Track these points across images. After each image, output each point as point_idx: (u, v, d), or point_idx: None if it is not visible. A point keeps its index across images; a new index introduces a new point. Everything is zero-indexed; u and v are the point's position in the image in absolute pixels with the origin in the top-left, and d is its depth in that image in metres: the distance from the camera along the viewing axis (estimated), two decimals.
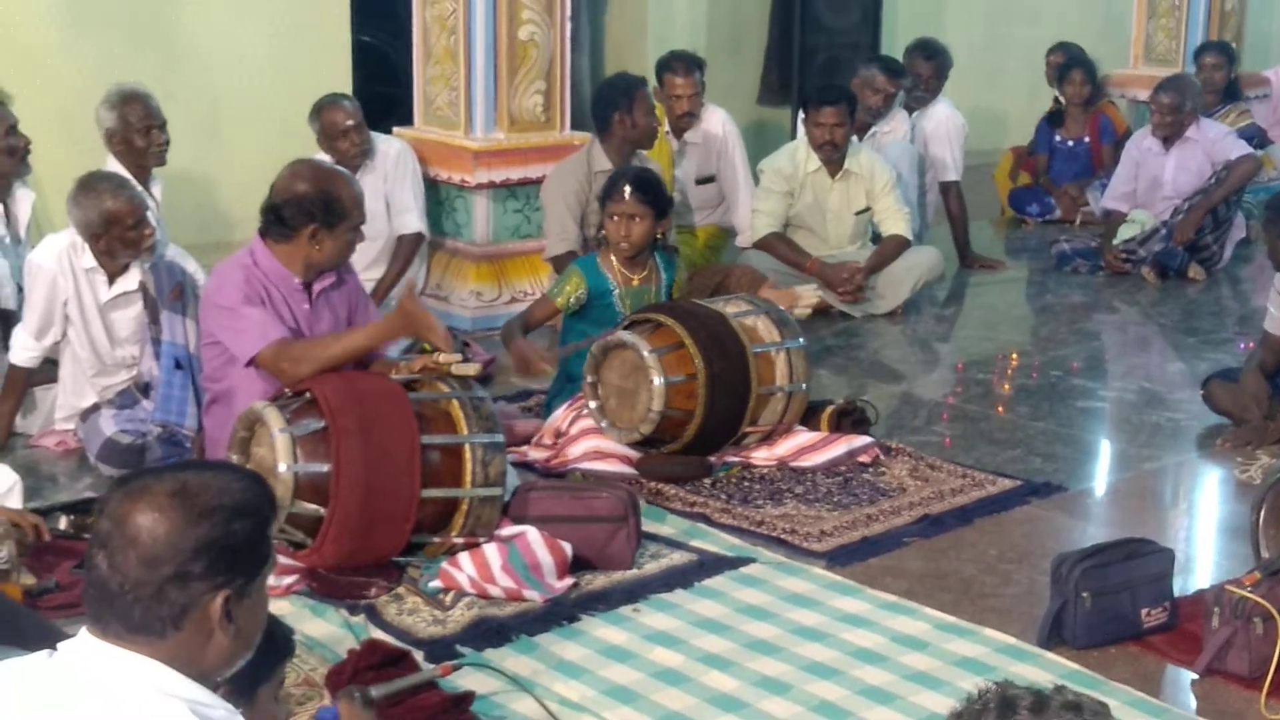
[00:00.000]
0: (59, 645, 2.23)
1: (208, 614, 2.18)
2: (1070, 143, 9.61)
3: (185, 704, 2.15)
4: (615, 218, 5.60)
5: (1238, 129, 9.27)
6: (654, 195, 5.63)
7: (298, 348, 4.55)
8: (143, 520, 2.15)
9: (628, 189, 5.57)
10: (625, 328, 5.33)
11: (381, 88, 8.59)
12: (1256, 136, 9.78)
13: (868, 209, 7.54)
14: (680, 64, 7.69)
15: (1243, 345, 6.91)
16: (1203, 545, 4.91)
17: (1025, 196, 9.73)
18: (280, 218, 4.62)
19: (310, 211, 4.59)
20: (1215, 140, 8.43)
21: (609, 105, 6.75)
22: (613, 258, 5.63)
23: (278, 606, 4.12)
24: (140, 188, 5.67)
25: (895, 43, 10.08)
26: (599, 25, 10.06)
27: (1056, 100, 9.80)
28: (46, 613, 3.88)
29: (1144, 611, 4.07)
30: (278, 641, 2.77)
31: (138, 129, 6.04)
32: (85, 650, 2.19)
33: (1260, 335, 5.89)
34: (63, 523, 4.48)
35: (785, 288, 7.15)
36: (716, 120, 7.75)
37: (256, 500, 2.26)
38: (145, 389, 5.29)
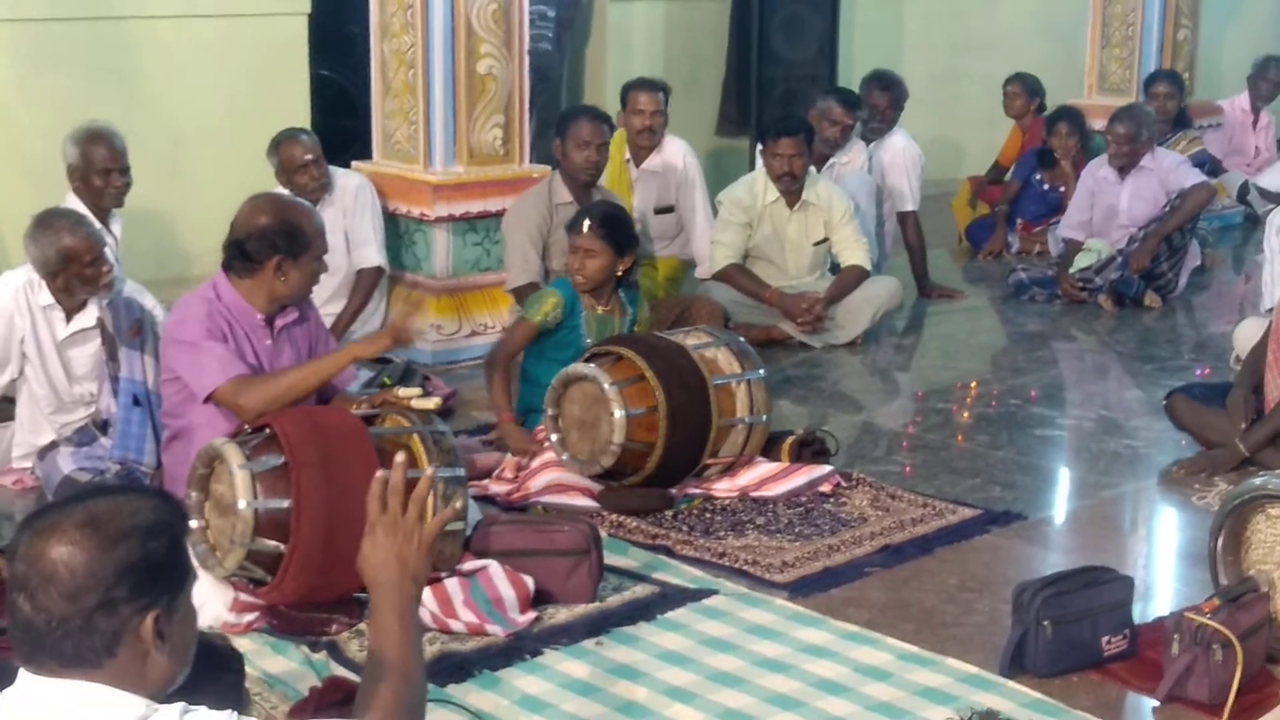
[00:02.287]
0: (2, 693, 2.23)
1: (140, 636, 2.19)
2: (1046, 186, 9.62)
3: (141, 707, 2.17)
4: (574, 250, 5.63)
5: (1189, 155, 9.36)
6: (613, 232, 5.64)
7: (256, 382, 4.54)
8: (57, 555, 2.15)
9: (587, 223, 5.60)
10: (585, 360, 5.33)
11: (340, 121, 8.59)
12: (1208, 163, 9.88)
13: (826, 239, 7.58)
14: (644, 83, 7.76)
15: (1199, 371, 6.97)
16: (1162, 572, 4.94)
17: (982, 231, 9.73)
18: (244, 251, 4.62)
19: (274, 243, 4.59)
20: (1170, 169, 8.50)
21: (554, 136, 6.82)
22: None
23: (238, 644, 4.10)
24: (99, 224, 5.65)
25: (852, 74, 10.14)
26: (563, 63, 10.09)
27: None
28: (2, 653, 3.84)
29: (1105, 639, 4.09)
30: (231, 664, 2.76)
31: (98, 169, 6.03)
32: (27, 690, 2.19)
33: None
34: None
35: (743, 320, 7.17)
36: (677, 151, 7.77)
37: (168, 516, 2.26)
38: (104, 426, 5.26)
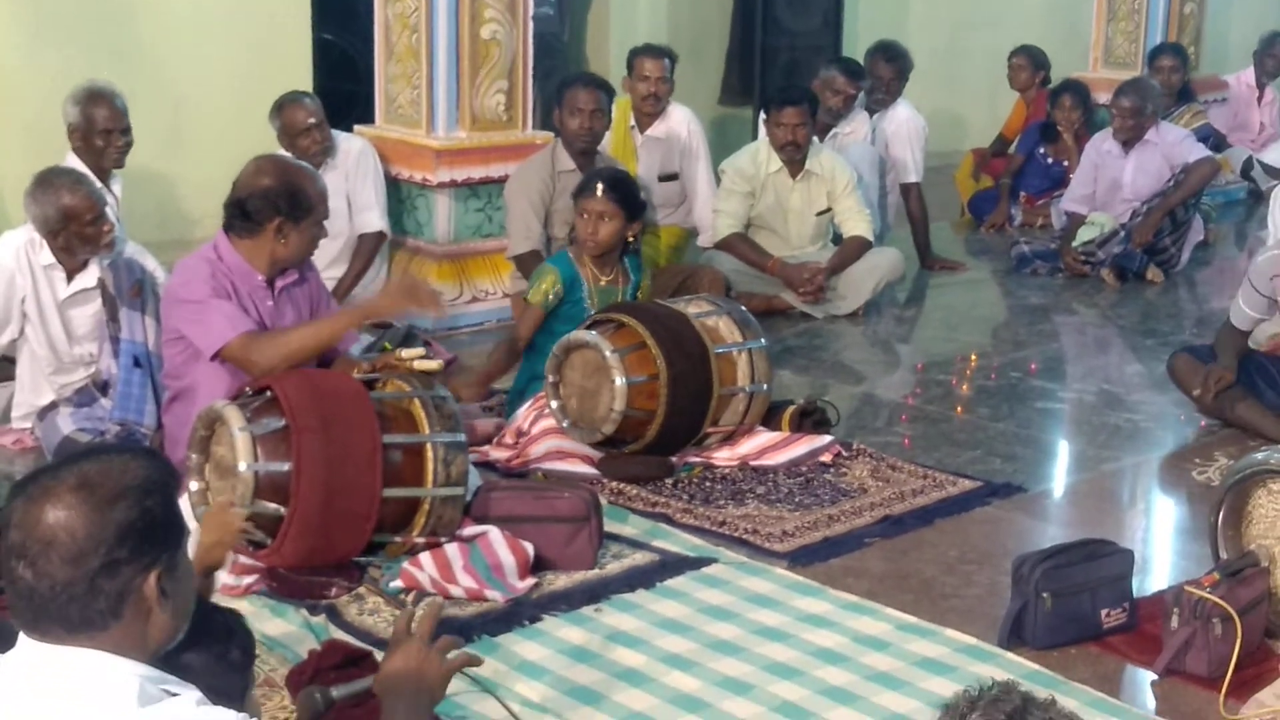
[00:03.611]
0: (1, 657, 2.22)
1: (144, 595, 2.18)
2: (1050, 160, 9.61)
3: (136, 681, 2.15)
4: (585, 215, 5.60)
5: (1192, 129, 9.33)
6: (625, 196, 5.63)
7: (266, 338, 4.53)
8: (55, 520, 2.13)
9: (600, 186, 5.58)
10: (587, 327, 5.32)
11: (342, 85, 8.56)
12: (1211, 137, 9.84)
13: (829, 210, 7.56)
14: (651, 49, 7.70)
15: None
16: (1161, 546, 4.94)
17: (985, 204, 9.72)
18: (245, 212, 4.60)
19: (276, 205, 4.58)
20: (1174, 143, 8.48)
21: (550, 104, 6.82)
22: (584, 254, 5.64)
23: (237, 606, 4.09)
24: (99, 184, 5.63)
25: (856, 45, 10.10)
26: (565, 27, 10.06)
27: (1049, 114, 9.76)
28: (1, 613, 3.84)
29: (1104, 612, 4.09)
30: (245, 646, 2.77)
31: (99, 129, 5.99)
32: (28, 655, 2.17)
33: (1225, 323, 5.90)
34: None
35: (745, 289, 7.16)
36: (681, 119, 7.74)
37: (160, 474, 2.25)
38: (104, 387, 5.25)
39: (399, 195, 7.28)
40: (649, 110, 7.61)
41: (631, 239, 5.69)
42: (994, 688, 2.01)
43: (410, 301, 4.82)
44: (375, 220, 6.98)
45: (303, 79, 7.92)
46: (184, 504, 4.12)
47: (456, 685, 3.61)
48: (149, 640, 2.21)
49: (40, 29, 7.51)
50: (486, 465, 5.18)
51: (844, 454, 5.41)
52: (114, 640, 2.17)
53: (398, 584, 4.23)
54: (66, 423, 5.17)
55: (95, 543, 2.13)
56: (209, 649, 2.70)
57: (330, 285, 5.96)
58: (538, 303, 5.59)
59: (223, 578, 4.20)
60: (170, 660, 2.30)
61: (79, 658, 2.15)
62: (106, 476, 2.18)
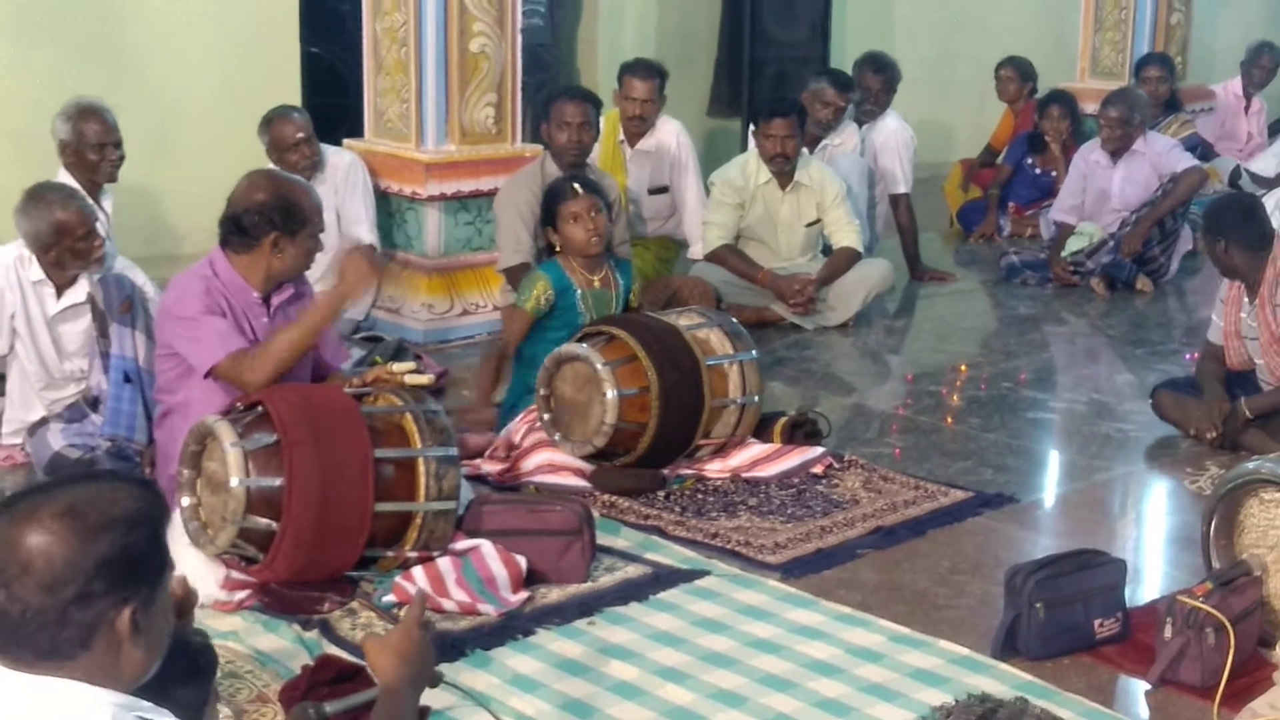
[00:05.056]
0: None
1: (115, 629, 2.14)
2: (1038, 170, 9.63)
3: (110, 709, 2.12)
4: (576, 219, 5.58)
5: (1180, 139, 9.36)
6: (597, 189, 5.70)
7: (256, 353, 4.52)
8: (35, 544, 2.09)
9: (577, 187, 5.60)
10: (578, 340, 5.32)
11: (331, 99, 8.56)
12: (1199, 146, 9.88)
13: (818, 221, 7.57)
14: (641, 67, 7.69)
15: (1189, 356, 6.96)
16: (1153, 555, 4.94)
17: (974, 214, 9.74)
18: (241, 227, 4.60)
19: (272, 219, 4.57)
20: (1162, 153, 8.50)
21: (540, 117, 6.83)
22: (573, 261, 5.63)
23: (229, 622, 4.10)
24: (90, 199, 5.62)
25: (844, 56, 10.13)
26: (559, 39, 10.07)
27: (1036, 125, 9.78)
28: None
29: (1097, 622, 4.09)
30: (201, 661, 2.75)
31: (92, 145, 5.99)
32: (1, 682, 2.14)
33: (1203, 345, 5.95)
34: None
35: (735, 301, 7.17)
36: (671, 131, 7.75)
37: (148, 507, 2.21)
38: (94, 403, 5.24)
39: (388, 209, 7.28)
40: (635, 131, 7.63)
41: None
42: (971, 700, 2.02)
43: (364, 271, 4.73)
44: (365, 234, 6.98)
45: (291, 93, 7.92)
46: (175, 523, 4.12)
47: (449, 699, 3.62)
48: (120, 673, 2.17)
49: (28, 38, 7.50)
50: (478, 479, 5.17)
51: (836, 465, 5.42)
52: (82, 671, 2.13)
53: (390, 598, 4.23)
54: (57, 439, 5.15)
55: (73, 572, 2.09)
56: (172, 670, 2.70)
57: None
58: (529, 309, 5.58)
59: (215, 593, 4.19)
60: (161, 694, 2.27)
61: (51, 685, 2.12)
62: (94, 505, 2.14)
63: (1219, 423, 5.66)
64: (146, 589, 2.17)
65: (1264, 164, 10.55)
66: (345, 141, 7.38)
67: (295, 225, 4.59)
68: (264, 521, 4.16)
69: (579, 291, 5.62)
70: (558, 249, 5.66)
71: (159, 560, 2.22)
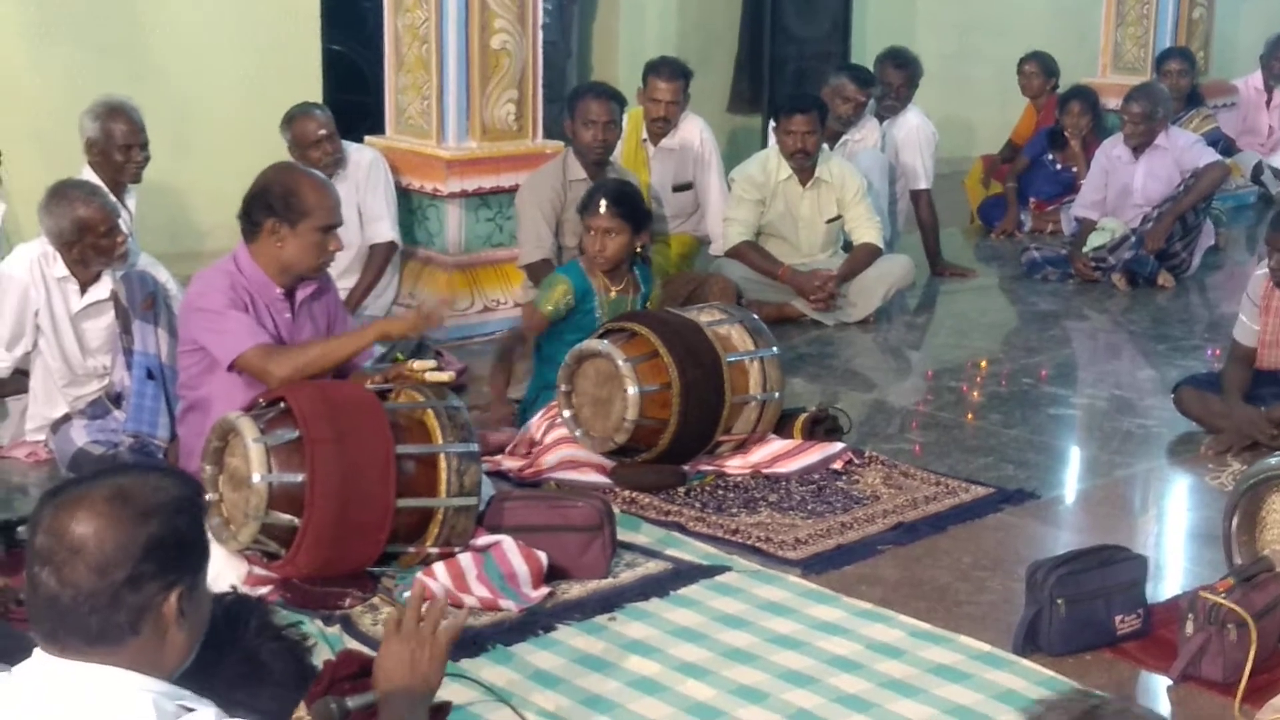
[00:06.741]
0: (13, 669, 2.21)
1: (163, 614, 2.17)
2: (1059, 165, 9.60)
3: (151, 697, 2.14)
4: (592, 232, 5.60)
5: (1202, 134, 9.33)
6: (630, 210, 5.62)
7: (284, 350, 4.54)
8: (85, 528, 2.12)
9: (604, 203, 5.58)
10: (599, 336, 5.33)
11: (352, 96, 8.58)
12: (1221, 141, 9.84)
13: (839, 217, 7.56)
14: (666, 68, 7.68)
15: (1211, 352, 6.95)
16: (1174, 551, 4.94)
17: (995, 210, 9.72)
18: (247, 213, 4.63)
19: (269, 204, 4.58)
20: (1184, 148, 8.48)
21: (565, 114, 6.82)
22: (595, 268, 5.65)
23: None
24: (113, 196, 5.65)
25: (865, 52, 10.11)
26: (570, 35, 10.07)
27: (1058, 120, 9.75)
28: (16, 624, 3.84)
29: (1118, 618, 4.09)
30: (305, 672, 2.78)
31: (118, 145, 6.00)
32: (43, 669, 2.16)
33: (1229, 344, 5.92)
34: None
35: (756, 297, 7.17)
36: (694, 129, 7.75)
37: (191, 495, 2.27)
38: (117, 399, 5.26)
39: (410, 206, 7.29)
40: (658, 131, 7.64)
41: (640, 249, 5.69)
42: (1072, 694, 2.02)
43: (426, 326, 4.82)
44: (386, 231, 6.99)
45: (312, 90, 7.94)
46: None
47: (471, 694, 3.63)
48: (164, 659, 2.20)
49: (50, 37, 7.53)
50: (499, 475, 5.18)
51: (856, 461, 5.42)
52: (130, 656, 2.16)
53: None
54: (80, 435, 5.18)
55: (123, 554, 2.13)
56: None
57: (342, 296, 5.98)
58: (547, 312, 5.59)
59: (238, 588, 4.21)
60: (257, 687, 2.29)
61: (94, 673, 2.14)
62: (140, 491, 2.17)
63: (1267, 430, 5.56)
64: (191, 574, 2.21)
65: None
66: (367, 138, 7.40)
67: (294, 214, 4.58)
68: (286, 517, 4.18)
69: (597, 296, 5.62)
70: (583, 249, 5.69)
71: (202, 546, 2.26)
